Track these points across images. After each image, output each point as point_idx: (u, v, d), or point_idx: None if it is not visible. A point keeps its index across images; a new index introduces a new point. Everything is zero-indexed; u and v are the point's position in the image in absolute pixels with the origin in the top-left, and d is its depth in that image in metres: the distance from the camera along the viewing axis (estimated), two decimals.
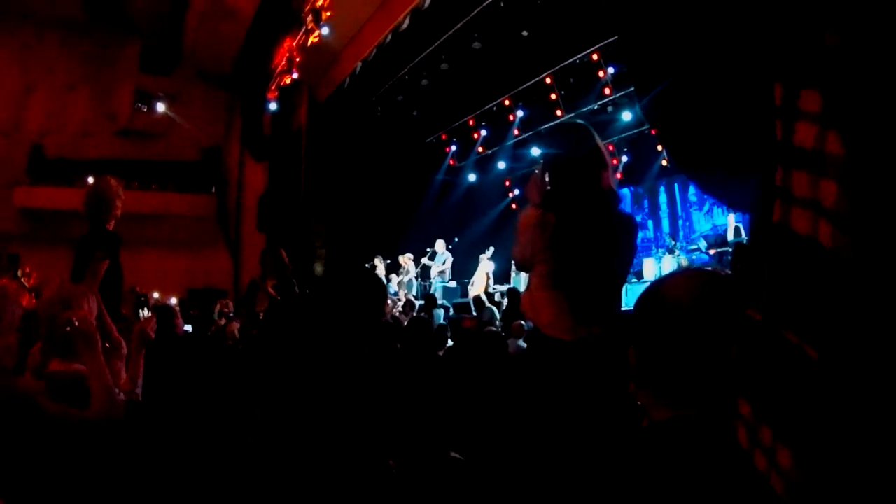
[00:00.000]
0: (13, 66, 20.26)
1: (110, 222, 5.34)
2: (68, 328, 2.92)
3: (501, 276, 17.23)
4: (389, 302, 12.71)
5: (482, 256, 16.55)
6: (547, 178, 3.55)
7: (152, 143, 20.93)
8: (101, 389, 2.84)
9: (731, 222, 14.46)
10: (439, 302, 13.70)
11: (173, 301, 15.86)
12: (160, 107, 20.30)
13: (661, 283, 1.76)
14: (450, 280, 16.81)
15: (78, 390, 2.87)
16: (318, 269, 17.60)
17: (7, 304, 2.78)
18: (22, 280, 8.93)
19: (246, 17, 15.89)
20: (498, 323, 10.66)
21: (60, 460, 2.59)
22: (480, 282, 16.16)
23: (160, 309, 6.32)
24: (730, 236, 14.34)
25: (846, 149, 2.01)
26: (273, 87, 16.59)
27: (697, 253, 15.04)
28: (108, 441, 2.79)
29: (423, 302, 13.51)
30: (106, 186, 5.38)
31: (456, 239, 17.48)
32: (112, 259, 5.14)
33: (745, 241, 12.67)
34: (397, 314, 11.38)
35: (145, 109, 20.47)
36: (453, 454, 3.53)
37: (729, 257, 13.29)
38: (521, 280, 15.42)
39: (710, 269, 1.94)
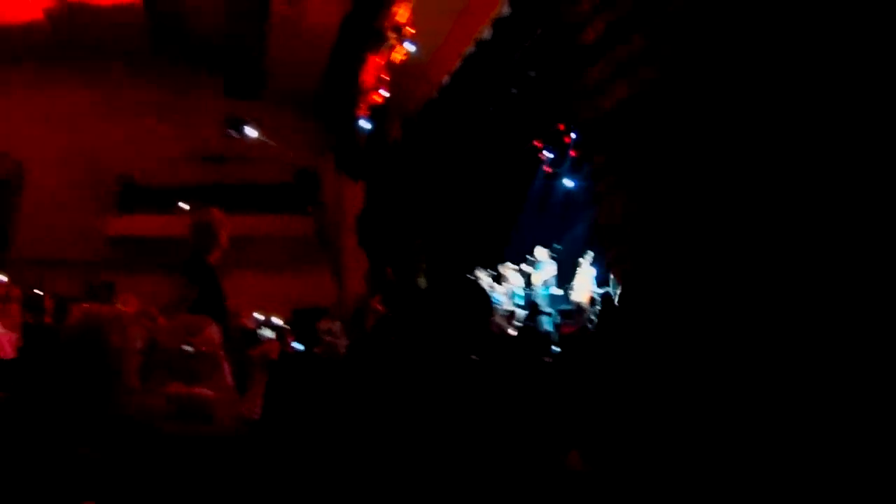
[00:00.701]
0: (88, 97, 21.11)
1: (213, 253, 5.22)
2: (192, 352, 3.00)
3: (602, 280, 16.94)
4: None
5: (582, 261, 16.32)
6: None
7: (243, 167, 21.26)
8: (224, 410, 2.90)
9: None
10: (545, 309, 13.59)
11: (278, 321, 16.14)
12: (248, 130, 20.30)
13: None
14: (555, 287, 16.58)
15: (201, 411, 2.93)
16: (422, 282, 17.63)
17: (131, 329, 2.85)
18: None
19: (329, 37, 16.02)
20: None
21: (183, 479, 2.64)
22: (582, 287, 15.92)
23: (277, 330, 6.44)
24: None
25: None
26: (363, 106, 16.72)
27: None
28: (231, 459, 2.84)
29: (527, 311, 13.40)
30: (208, 218, 5.29)
31: (558, 245, 17.24)
32: (209, 289, 5.03)
33: None
34: (501, 324, 11.35)
35: (233, 134, 20.50)
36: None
37: None
38: (617, 284, 15.12)
39: None
